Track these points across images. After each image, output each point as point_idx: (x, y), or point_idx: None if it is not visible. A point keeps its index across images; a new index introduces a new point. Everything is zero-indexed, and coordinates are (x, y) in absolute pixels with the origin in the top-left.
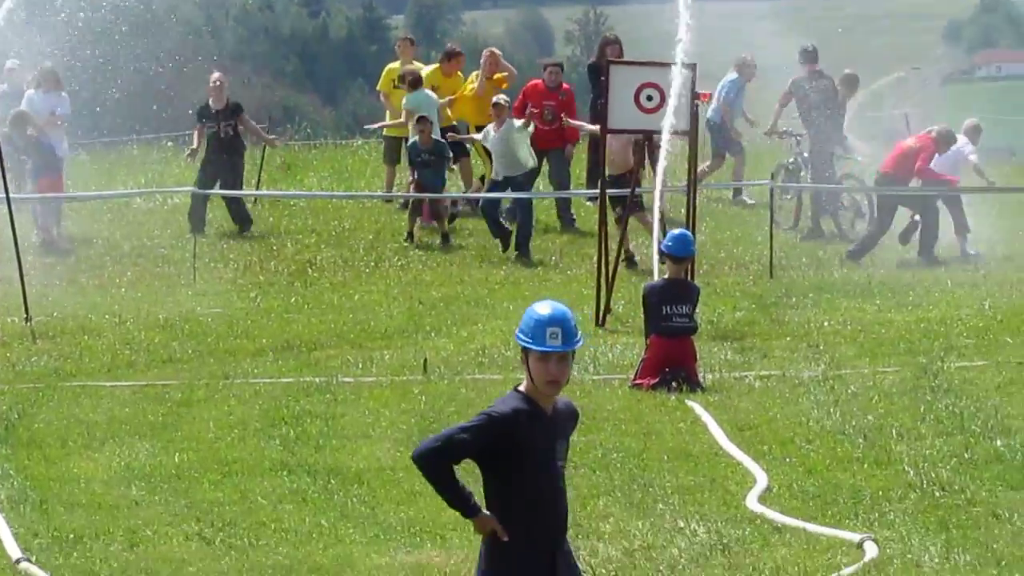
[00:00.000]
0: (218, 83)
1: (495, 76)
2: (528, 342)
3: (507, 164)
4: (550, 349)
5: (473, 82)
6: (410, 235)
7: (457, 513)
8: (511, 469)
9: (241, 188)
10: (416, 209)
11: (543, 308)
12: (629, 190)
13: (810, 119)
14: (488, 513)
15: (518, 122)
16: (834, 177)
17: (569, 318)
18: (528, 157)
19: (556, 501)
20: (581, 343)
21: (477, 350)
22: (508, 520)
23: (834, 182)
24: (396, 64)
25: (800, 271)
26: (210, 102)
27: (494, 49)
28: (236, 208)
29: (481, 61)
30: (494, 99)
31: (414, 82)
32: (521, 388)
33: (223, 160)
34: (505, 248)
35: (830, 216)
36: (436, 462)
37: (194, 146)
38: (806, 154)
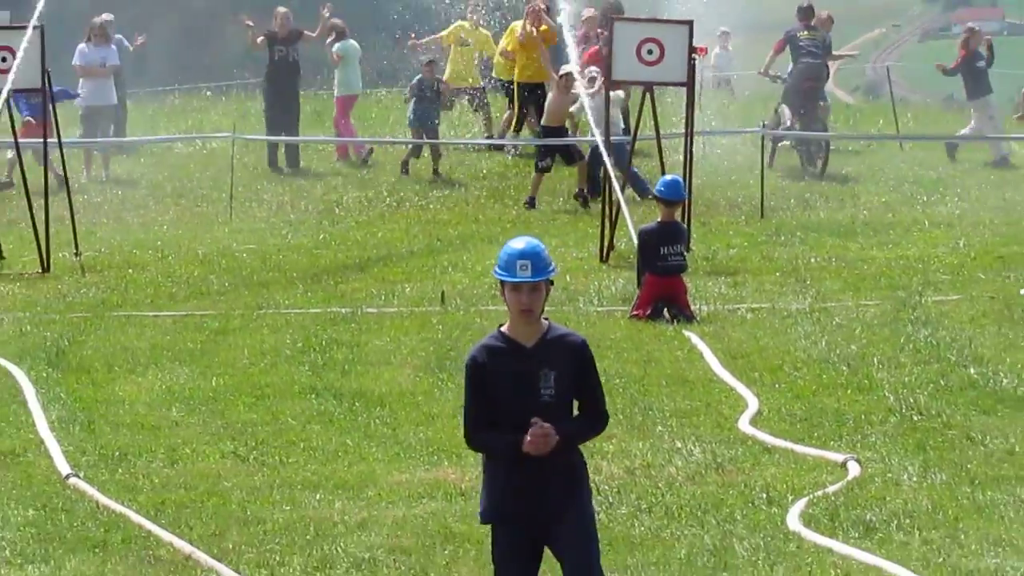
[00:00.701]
0: (283, 14)
1: (541, 28)
2: (502, 274)
3: (604, 129)
4: (520, 279)
5: (516, 32)
6: (404, 165)
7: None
8: (496, 396)
9: (297, 118)
10: (415, 147)
11: (516, 243)
12: (561, 139)
13: (799, 68)
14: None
15: (618, 93)
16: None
17: (540, 252)
18: (621, 122)
19: None
20: (553, 274)
21: (490, 284)
22: (497, 455)
23: (819, 128)
24: (464, 22)
25: (789, 212)
26: (276, 28)
27: (540, 2)
28: (290, 149)
29: (526, 11)
30: (563, 70)
31: (340, 33)
32: (503, 327)
33: (285, 84)
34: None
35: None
36: (476, 439)
37: (259, 37)
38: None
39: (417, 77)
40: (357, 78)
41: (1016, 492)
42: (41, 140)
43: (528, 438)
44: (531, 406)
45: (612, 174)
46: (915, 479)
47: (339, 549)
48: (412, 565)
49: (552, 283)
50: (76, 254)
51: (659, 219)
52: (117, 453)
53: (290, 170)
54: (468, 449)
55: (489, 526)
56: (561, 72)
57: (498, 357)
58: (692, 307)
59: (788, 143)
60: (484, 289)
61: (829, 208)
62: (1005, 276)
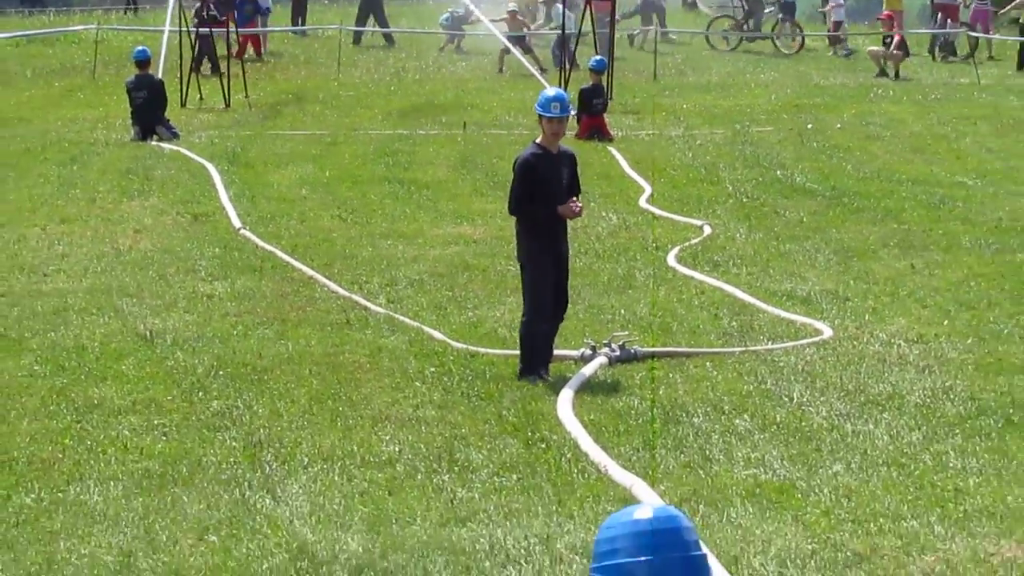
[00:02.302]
0: None
1: None
2: (541, 111)
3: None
4: (552, 115)
5: None
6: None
7: (480, 206)
8: (535, 180)
9: None
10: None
11: (550, 91)
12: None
13: None
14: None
15: None
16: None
17: (564, 97)
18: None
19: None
20: (571, 112)
21: (496, 116)
22: (536, 219)
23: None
24: None
25: (674, 77)
26: None
27: None
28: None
29: None
30: None
31: None
32: (537, 140)
33: None
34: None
35: None
36: (519, 209)
37: None
38: None
39: None
40: None
41: (804, 245)
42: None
43: (572, 208)
44: (555, 187)
45: (564, 56)
46: (743, 236)
47: (400, 274)
48: (444, 283)
49: (569, 117)
50: (246, 96)
51: (590, 82)
52: (268, 215)
53: (387, 44)
54: (478, 214)
55: (492, 262)
56: None
57: (540, 159)
58: (612, 132)
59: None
60: (491, 120)
61: (695, 75)
62: (798, 116)
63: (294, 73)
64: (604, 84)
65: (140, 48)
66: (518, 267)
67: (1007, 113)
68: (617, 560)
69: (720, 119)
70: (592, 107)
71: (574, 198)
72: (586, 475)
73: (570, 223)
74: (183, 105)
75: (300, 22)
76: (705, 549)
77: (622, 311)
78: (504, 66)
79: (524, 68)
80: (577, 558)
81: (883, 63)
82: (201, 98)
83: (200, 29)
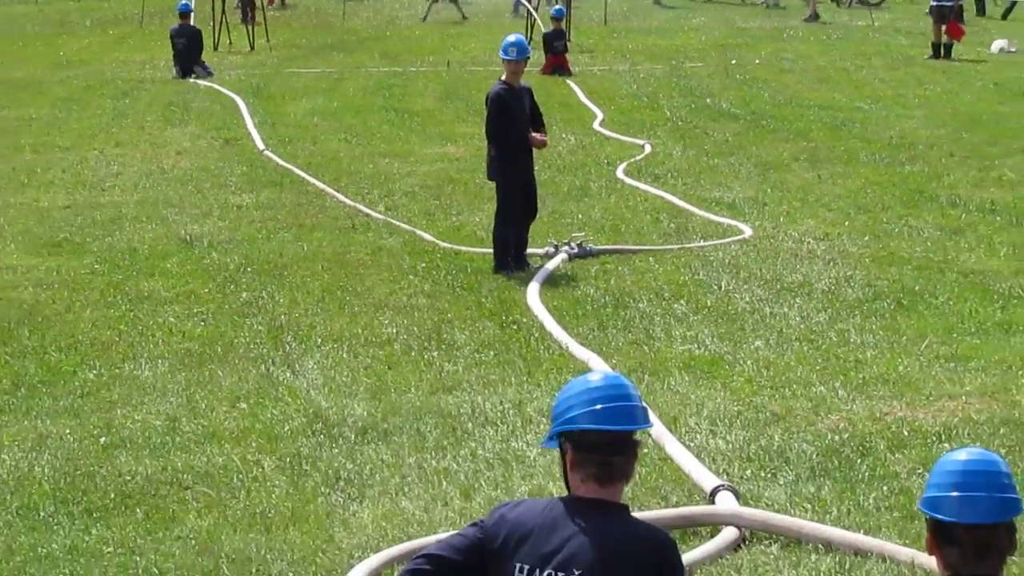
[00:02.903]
0: None
1: None
2: (503, 55)
3: None
4: (511, 57)
5: None
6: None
7: (462, 130)
8: (504, 112)
9: None
10: None
11: (510, 38)
12: None
13: None
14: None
15: None
16: None
17: (521, 42)
18: None
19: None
20: (528, 55)
21: (473, 57)
22: (508, 142)
23: None
24: None
25: (621, 22)
26: None
27: None
28: None
29: None
30: None
31: None
32: (503, 78)
33: None
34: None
35: None
36: (495, 134)
37: None
38: None
39: None
40: None
41: (728, 160)
42: None
43: (537, 139)
44: (519, 115)
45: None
46: (679, 153)
47: (395, 185)
48: (432, 194)
49: (528, 58)
50: (267, 41)
51: (552, 28)
52: (286, 139)
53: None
54: (459, 136)
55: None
56: None
57: (506, 92)
58: (572, 68)
59: None
60: (470, 58)
61: (638, 20)
62: (724, 54)
63: (306, 21)
64: (564, 28)
65: (184, 2)
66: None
67: (896, 50)
68: (571, 414)
69: (659, 57)
70: (555, 48)
71: (542, 131)
72: (551, 351)
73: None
74: (215, 49)
75: None
76: (646, 404)
77: (579, 215)
78: (427, 14)
79: (496, 15)
80: (544, 420)
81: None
82: (231, 43)
83: None
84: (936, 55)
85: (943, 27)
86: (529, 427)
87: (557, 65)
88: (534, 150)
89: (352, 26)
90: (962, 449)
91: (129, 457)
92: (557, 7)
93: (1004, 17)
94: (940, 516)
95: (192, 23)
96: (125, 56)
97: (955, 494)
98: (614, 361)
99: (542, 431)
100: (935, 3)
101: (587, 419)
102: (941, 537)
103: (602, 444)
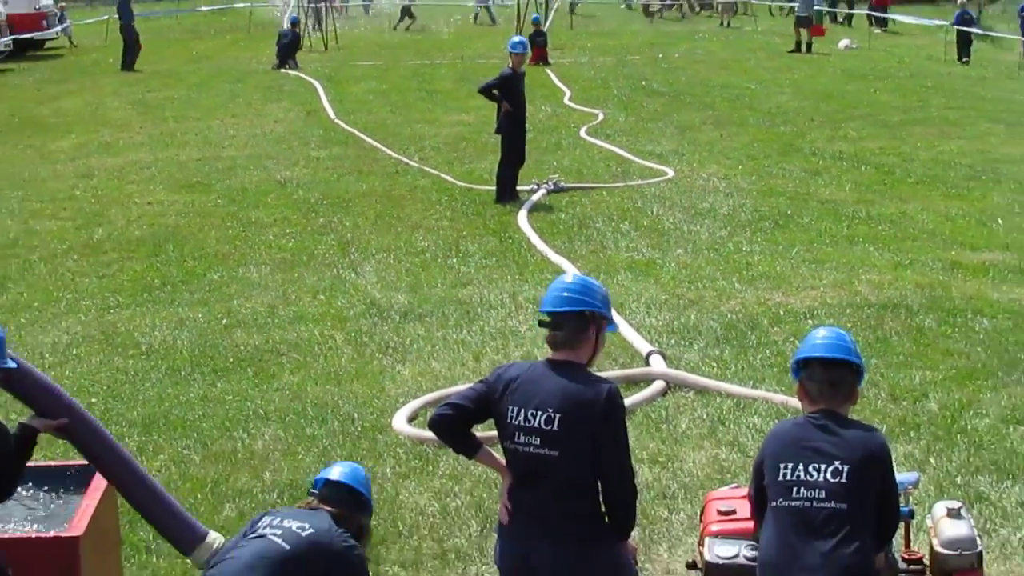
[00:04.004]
0: None
1: None
2: (510, 49)
3: None
4: (516, 51)
5: None
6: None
7: (472, 103)
8: (510, 88)
9: None
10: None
11: (515, 38)
12: None
13: None
14: None
15: None
16: None
17: (526, 41)
18: None
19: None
20: (529, 51)
21: (480, 52)
22: (513, 110)
23: None
24: None
25: (583, 27)
26: None
27: None
28: None
29: None
30: None
31: None
32: (509, 66)
33: None
34: None
35: None
36: (487, 92)
37: None
38: None
39: None
40: None
41: (658, 124)
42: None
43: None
44: (519, 93)
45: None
46: (623, 119)
47: (425, 142)
48: (451, 148)
49: (528, 53)
50: (336, 43)
51: (534, 29)
52: (350, 111)
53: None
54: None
55: (479, 135)
56: None
57: (512, 75)
58: (549, 59)
59: None
60: (476, 55)
61: (595, 26)
62: (654, 50)
63: (363, 30)
64: (543, 30)
65: (293, 15)
66: (497, 138)
67: (773, 47)
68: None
69: (609, 52)
70: (537, 43)
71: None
72: (535, 257)
73: (528, 116)
74: (300, 48)
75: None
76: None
77: (554, 163)
78: (400, 23)
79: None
80: (531, 305)
81: (725, 19)
82: (311, 44)
83: (317, 4)
84: (797, 50)
85: (807, 30)
86: (520, 311)
87: (540, 56)
88: (526, 116)
89: (396, 35)
90: (820, 327)
91: (242, 333)
92: (535, 15)
93: (848, 22)
94: (804, 354)
95: (297, 30)
96: (237, 54)
97: (815, 343)
98: (579, 264)
99: (531, 314)
100: (798, 15)
101: (542, 305)
102: (805, 376)
103: (548, 323)
